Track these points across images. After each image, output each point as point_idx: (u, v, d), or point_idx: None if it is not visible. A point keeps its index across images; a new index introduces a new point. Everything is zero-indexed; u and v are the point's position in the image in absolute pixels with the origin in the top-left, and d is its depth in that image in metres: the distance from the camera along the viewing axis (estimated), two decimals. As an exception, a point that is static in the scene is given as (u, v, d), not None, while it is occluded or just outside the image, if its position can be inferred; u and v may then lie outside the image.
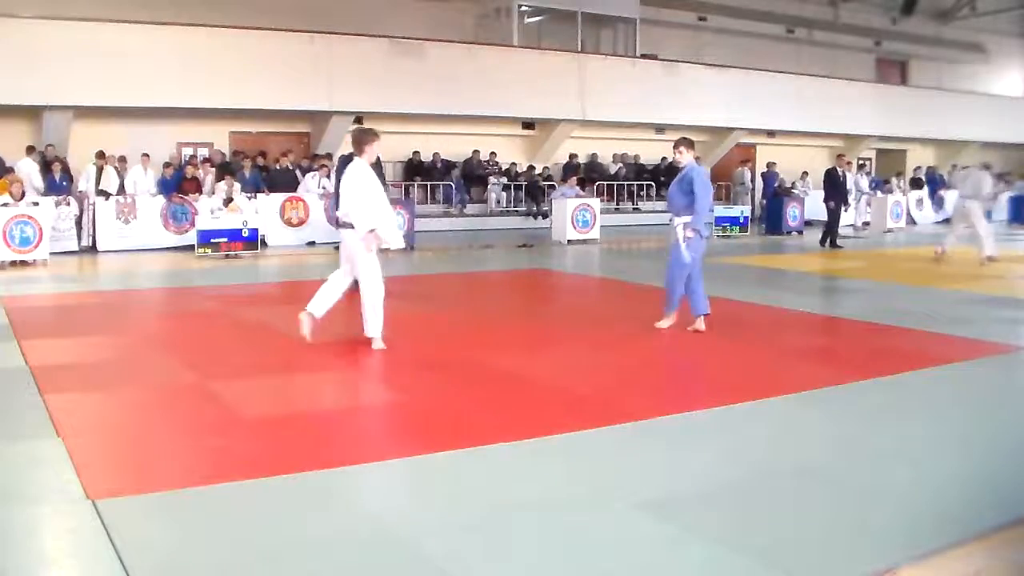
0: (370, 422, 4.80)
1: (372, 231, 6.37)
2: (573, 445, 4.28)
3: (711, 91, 21.54)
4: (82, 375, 5.62)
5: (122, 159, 14.90)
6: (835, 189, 15.55)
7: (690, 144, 7.31)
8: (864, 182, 20.83)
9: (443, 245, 15.60)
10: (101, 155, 14.49)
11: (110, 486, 3.63)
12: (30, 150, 14.32)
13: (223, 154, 16.81)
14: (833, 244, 15.36)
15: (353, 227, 6.44)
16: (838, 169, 15.78)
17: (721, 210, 18.11)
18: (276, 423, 4.64)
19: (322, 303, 6.67)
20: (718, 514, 3.43)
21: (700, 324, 7.23)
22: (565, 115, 20.07)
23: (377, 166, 9.20)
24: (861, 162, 22.05)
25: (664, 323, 7.38)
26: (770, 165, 21.36)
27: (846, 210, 16.94)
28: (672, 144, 7.48)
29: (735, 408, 4.92)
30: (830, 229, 15.53)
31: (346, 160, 9.15)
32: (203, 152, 16.95)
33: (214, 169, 15.30)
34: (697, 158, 7.53)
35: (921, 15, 26.88)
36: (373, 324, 6.55)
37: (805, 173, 21.40)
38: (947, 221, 23.00)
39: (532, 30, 21.28)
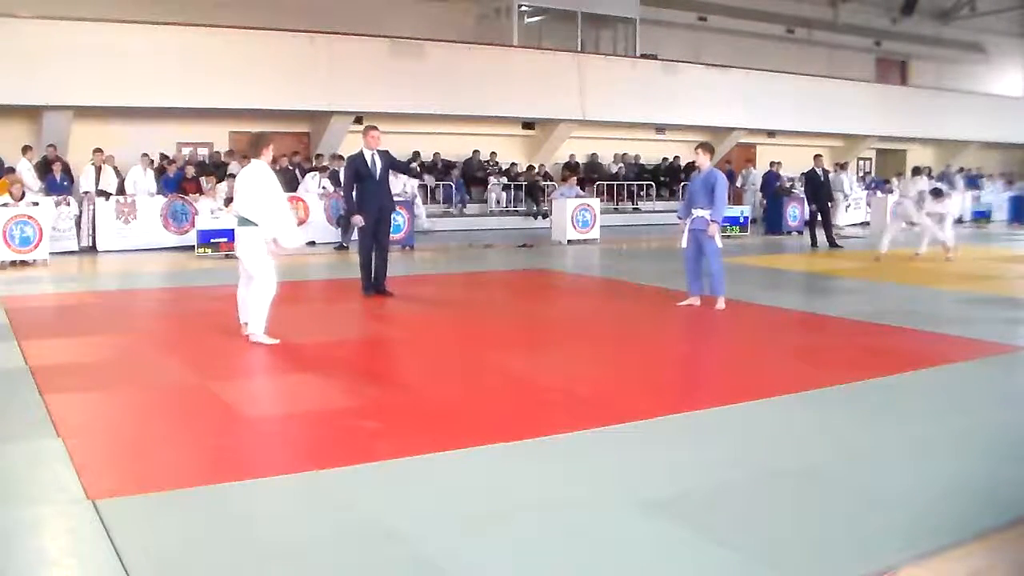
0: (370, 422, 4.79)
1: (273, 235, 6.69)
2: (573, 445, 4.28)
3: (711, 91, 21.55)
4: (82, 375, 5.62)
5: (110, 156, 14.84)
6: (816, 190, 15.55)
7: (711, 149, 8.55)
8: (846, 181, 20.55)
9: (443, 245, 15.60)
10: (99, 156, 14.46)
11: (110, 486, 3.63)
12: (26, 150, 14.31)
13: (219, 154, 16.81)
14: (831, 243, 15.34)
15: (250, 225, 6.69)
16: (817, 170, 15.77)
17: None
18: (276, 423, 4.64)
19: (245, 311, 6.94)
20: (718, 514, 3.43)
21: (696, 300, 8.42)
22: (565, 115, 20.07)
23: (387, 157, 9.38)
24: (844, 162, 22.02)
25: (719, 304, 8.32)
26: (773, 164, 21.34)
27: (833, 208, 16.95)
28: (694, 146, 8.68)
29: (735, 408, 4.92)
30: (828, 229, 15.53)
31: (354, 160, 9.35)
32: (203, 152, 16.97)
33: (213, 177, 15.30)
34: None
35: (921, 15, 26.89)
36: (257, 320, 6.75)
37: (804, 173, 21.36)
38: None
39: (532, 30, 21.28)
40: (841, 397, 5.22)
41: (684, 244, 8.48)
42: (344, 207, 12.86)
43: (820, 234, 15.50)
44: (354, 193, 9.26)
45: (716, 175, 8.26)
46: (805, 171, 16.23)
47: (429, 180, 18.88)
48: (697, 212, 8.33)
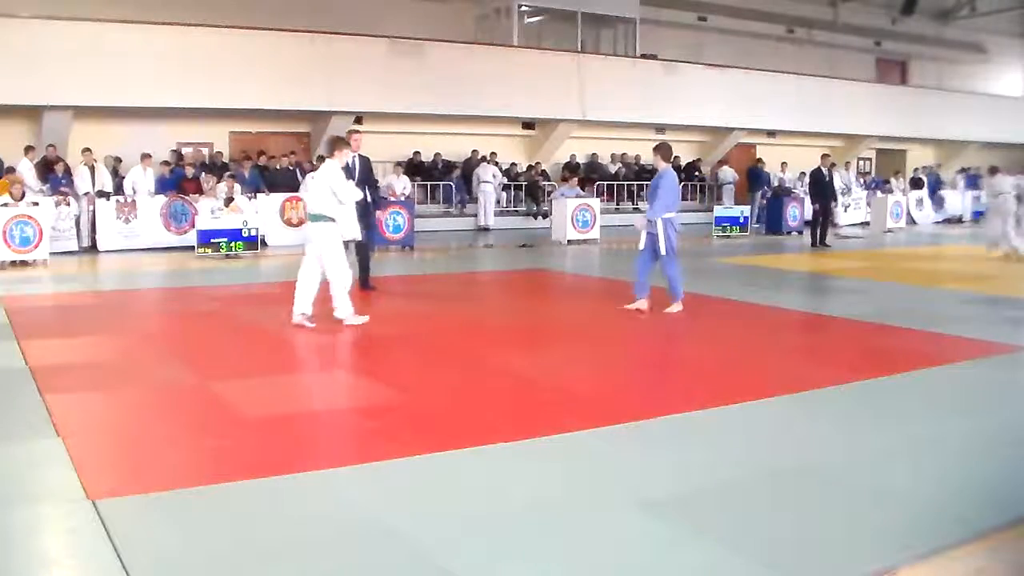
0: (370, 422, 4.79)
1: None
2: (573, 445, 4.28)
3: (711, 91, 21.54)
4: (82, 375, 5.62)
5: (108, 157, 14.83)
6: (821, 189, 15.57)
7: (665, 150, 8.29)
8: (837, 179, 20.56)
9: (443, 245, 15.60)
10: (88, 155, 14.39)
11: (110, 486, 3.63)
12: (28, 150, 14.31)
13: (221, 154, 16.81)
14: (822, 242, 15.35)
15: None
16: (823, 169, 15.79)
17: (721, 211, 18.11)
18: (276, 423, 4.64)
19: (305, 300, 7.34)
20: (718, 514, 3.43)
21: (644, 303, 8.10)
22: (565, 115, 20.06)
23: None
24: (846, 161, 22.10)
25: (674, 308, 8.07)
26: (758, 162, 21.42)
27: (835, 208, 16.97)
28: (653, 149, 8.43)
29: (735, 408, 4.92)
30: (815, 229, 15.55)
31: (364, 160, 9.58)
32: (203, 151, 16.97)
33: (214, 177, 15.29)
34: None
35: (921, 15, 26.87)
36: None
37: (803, 173, 21.40)
38: (947, 221, 23.05)
39: (532, 30, 21.27)
40: (841, 397, 5.23)
41: (642, 246, 8.23)
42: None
43: (827, 229, 15.48)
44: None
45: (661, 177, 8.09)
46: (811, 170, 16.19)
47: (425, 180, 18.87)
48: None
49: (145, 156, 14.80)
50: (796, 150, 23.84)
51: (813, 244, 15.44)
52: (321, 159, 14.03)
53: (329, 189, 7.19)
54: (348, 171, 9.44)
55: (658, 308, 8.08)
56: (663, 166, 8.22)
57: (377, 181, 14.11)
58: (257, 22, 16.35)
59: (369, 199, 9.71)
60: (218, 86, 15.83)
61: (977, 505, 3.54)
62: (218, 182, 14.63)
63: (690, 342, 7.13)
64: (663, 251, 7.95)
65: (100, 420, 4.78)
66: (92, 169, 14.29)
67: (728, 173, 22.32)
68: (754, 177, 20.94)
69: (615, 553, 3.08)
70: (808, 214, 19.17)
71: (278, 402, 5.09)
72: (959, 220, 23.27)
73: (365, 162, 9.68)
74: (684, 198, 22.43)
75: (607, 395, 5.30)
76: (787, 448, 4.31)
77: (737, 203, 19.88)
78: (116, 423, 4.75)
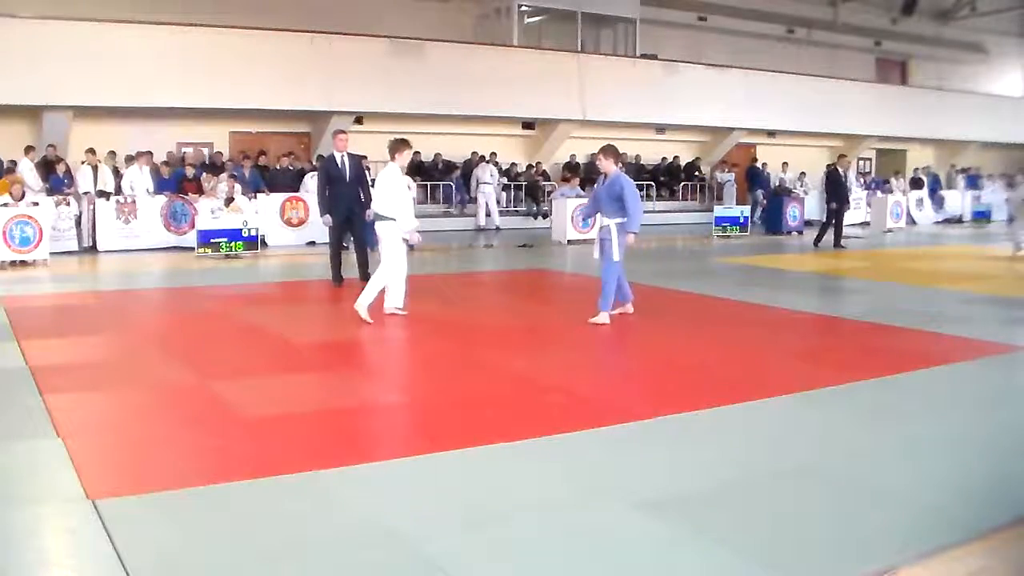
0: (370, 422, 4.79)
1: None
2: (573, 445, 4.28)
3: (711, 91, 21.54)
4: (82, 375, 5.62)
5: (109, 154, 14.83)
6: (838, 190, 15.56)
7: (613, 152, 7.65)
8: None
9: (443, 245, 15.59)
10: (92, 155, 14.41)
11: (110, 486, 3.63)
12: (28, 150, 14.31)
13: (221, 154, 16.81)
14: (836, 243, 15.33)
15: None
16: (840, 169, 15.78)
17: (721, 211, 18.11)
18: (276, 423, 4.64)
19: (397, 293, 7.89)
20: (718, 514, 3.43)
21: (629, 308, 7.96)
22: (565, 115, 20.06)
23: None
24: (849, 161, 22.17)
25: (601, 318, 7.59)
26: (758, 161, 21.44)
27: (847, 210, 16.98)
28: (599, 151, 7.80)
29: (735, 408, 4.92)
30: (824, 230, 15.53)
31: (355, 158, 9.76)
32: (204, 151, 16.97)
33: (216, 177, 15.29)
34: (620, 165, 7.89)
35: (921, 15, 26.87)
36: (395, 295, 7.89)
37: (803, 173, 21.41)
38: (947, 221, 23.06)
39: (532, 30, 21.27)
40: (841, 397, 5.23)
41: (597, 255, 7.87)
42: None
43: (842, 230, 15.45)
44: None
45: (622, 181, 7.52)
46: (828, 170, 16.16)
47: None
48: (606, 220, 7.63)
49: (141, 154, 14.78)
50: (796, 150, 23.87)
51: (816, 243, 15.42)
52: (321, 158, 14.20)
53: (389, 190, 7.67)
54: (339, 169, 9.60)
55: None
56: (613, 170, 7.58)
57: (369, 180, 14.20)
58: (257, 22, 16.35)
59: (363, 198, 9.78)
60: (218, 86, 15.83)
61: (977, 505, 3.54)
62: (219, 175, 14.62)
63: (689, 342, 7.12)
64: (616, 256, 7.57)
65: (100, 420, 4.77)
66: (95, 169, 14.30)
67: (725, 175, 22.40)
68: (753, 177, 20.96)
69: (615, 553, 3.08)
70: (809, 214, 19.32)
71: (278, 402, 5.09)
72: (959, 220, 23.28)
73: (356, 161, 9.79)
74: (684, 198, 22.54)
75: (607, 395, 5.30)
76: (787, 448, 4.31)
77: (738, 203, 19.89)
78: (116, 423, 4.75)
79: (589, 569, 2.98)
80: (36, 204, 12.36)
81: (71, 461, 3.91)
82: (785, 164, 21.52)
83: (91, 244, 13.88)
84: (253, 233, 13.28)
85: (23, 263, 11.77)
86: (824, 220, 15.72)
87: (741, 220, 17.82)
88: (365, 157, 10.08)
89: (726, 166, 22.76)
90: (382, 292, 7.81)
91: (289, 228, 15.16)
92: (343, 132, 10.24)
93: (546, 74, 19.43)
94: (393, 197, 7.65)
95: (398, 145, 7.77)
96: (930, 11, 27.48)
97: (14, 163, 14.12)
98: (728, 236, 17.43)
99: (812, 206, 20.27)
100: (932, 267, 12.28)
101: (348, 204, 9.68)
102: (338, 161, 9.68)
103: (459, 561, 3.01)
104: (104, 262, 12.79)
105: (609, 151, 7.63)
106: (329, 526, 3.30)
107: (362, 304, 7.57)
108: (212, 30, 15.78)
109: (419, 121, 18.65)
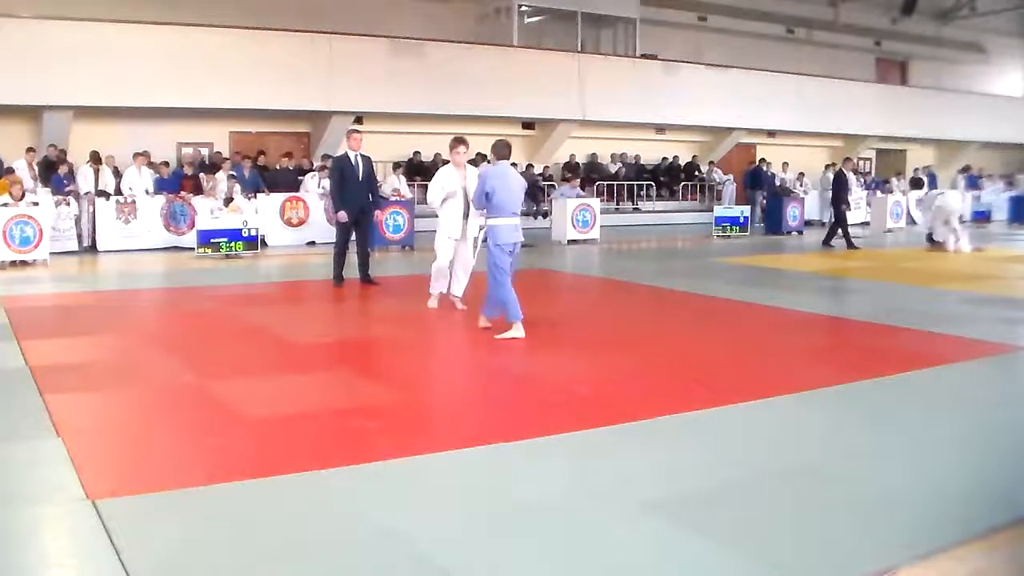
0: (370, 422, 4.79)
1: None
2: (574, 445, 4.28)
3: (711, 91, 21.55)
4: (82, 375, 5.62)
5: (109, 157, 14.83)
6: (844, 191, 15.60)
7: (506, 149, 7.18)
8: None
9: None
10: (96, 158, 14.44)
11: (110, 486, 3.62)
12: (29, 151, 14.31)
13: (220, 154, 16.81)
14: (849, 244, 15.31)
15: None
16: (846, 172, 15.88)
17: (721, 211, 18.12)
18: (276, 423, 4.64)
19: (459, 284, 8.31)
20: (718, 514, 3.43)
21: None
22: (565, 115, 20.07)
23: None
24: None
25: (514, 332, 6.85)
26: (761, 161, 21.44)
27: (849, 211, 17.04)
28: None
29: (735, 408, 4.92)
30: (834, 231, 15.55)
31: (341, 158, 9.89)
32: (204, 151, 16.97)
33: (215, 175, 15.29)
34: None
35: (921, 15, 26.87)
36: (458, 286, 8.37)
37: (801, 174, 21.41)
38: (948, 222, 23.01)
39: (532, 30, 21.27)
40: (841, 397, 5.22)
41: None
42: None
43: (850, 232, 15.47)
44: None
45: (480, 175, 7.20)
46: (834, 172, 16.28)
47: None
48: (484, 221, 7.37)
49: (138, 155, 14.78)
50: (796, 150, 23.88)
51: (825, 243, 15.48)
52: (328, 157, 14.26)
53: (439, 189, 8.08)
54: (353, 168, 9.65)
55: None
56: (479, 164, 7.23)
57: (378, 183, 14.22)
58: (257, 22, 16.36)
59: (372, 197, 9.88)
60: (218, 86, 15.83)
61: (977, 505, 3.54)
62: (218, 172, 14.62)
63: (689, 342, 7.12)
64: (496, 261, 7.23)
65: (100, 420, 4.77)
66: (97, 170, 14.31)
67: (720, 174, 22.41)
68: (754, 177, 20.97)
69: (615, 553, 3.08)
70: (809, 214, 19.31)
71: (278, 402, 5.08)
72: (959, 220, 23.23)
73: (367, 161, 9.88)
74: (684, 198, 22.56)
75: (607, 395, 5.29)
76: (787, 448, 4.31)
77: (737, 203, 19.90)
78: (116, 423, 4.75)
79: (589, 569, 2.97)
80: (36, 204, 12.35)
81: (71, 461, 3.91)
82: (785, 164, 21.53)
83: (91, 244, 13.88)
84: (253, 233, 13.28)
85: (23, 263, 11.77)
86: (833, 221, 15.79)
87: (741, 220, 17.82)
88: (368, 158, 10.11)
89: (714, 166, 22.79)
90: (440, 287, 8.29)
91: (289, 228, 15.17)
92: (357, 131, 10.45)
93: (546, 74, 19.44)
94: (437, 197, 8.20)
95: (453, 143, 8.08)
96: (930, 11, 27.48)
97: (12, 169, 14.10)
98: (728, 236, 17.43)
99: (812, 206, 20.28)
100: (932, 267, 12.27)
101: (360, 201, 9.77)
102: (352, 159, 9.77)
103: (459, 561, 3.01)
104: (104, 262, 12.79)
105: (497, 149, 7.24)
106: (329, 526, 3.30)
107: (434, 293, 8.23)
108: (212, 30, 15.79)
109: (419, 121, 18.66)
